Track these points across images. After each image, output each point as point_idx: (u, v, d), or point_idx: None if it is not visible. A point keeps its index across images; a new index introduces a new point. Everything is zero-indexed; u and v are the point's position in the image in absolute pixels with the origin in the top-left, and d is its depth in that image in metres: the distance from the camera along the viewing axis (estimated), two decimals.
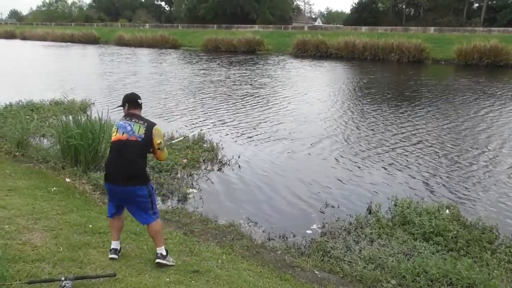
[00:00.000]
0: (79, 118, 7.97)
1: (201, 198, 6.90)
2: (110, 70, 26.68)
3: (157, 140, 3.81)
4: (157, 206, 6.34)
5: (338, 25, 60.35)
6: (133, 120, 3.81)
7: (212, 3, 70.61)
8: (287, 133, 11.27)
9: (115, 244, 4.00)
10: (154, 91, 17.71)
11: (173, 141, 8.07)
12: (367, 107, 15.03)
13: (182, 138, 8.08)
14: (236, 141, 10.40)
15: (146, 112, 13.22)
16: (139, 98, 4.01)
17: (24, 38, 68.76)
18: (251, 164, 8.71)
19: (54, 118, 10.93)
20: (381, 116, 13.49)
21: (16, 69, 26.40)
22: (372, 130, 11.71)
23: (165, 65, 29.94)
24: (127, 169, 3.71)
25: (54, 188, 6.10)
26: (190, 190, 7.17)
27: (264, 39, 43.73)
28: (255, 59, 35.36)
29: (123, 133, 3.76)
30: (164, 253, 3.98)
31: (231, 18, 67.05)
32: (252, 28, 53.81)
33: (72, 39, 60.35)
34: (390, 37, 36.19)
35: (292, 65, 31.37)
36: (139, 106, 3.97)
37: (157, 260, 3.93)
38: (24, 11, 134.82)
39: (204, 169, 8.24)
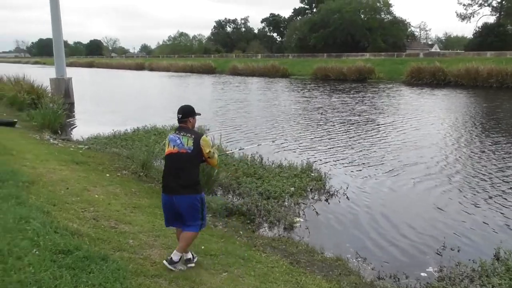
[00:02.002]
0: None
1: (307, 228, 6.84)
2: (219, 97, 28.40)
3: (206, 150, 4.08)
4: (264, 232, 6.55)
5: (458, 51, 56.70)
6: (181, 133, 4.10)
7: (322, 32, 71.38)
8: (399, 163, 10.75)
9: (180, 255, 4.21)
10: (254, 116, 18.27)
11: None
12: (493, 138, 13.71)
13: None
14: (344, 171, 10.20)
15: (247, 135, 13.79)
16: (189, 111, 4.23)
17: (151, 69, 76.24)
18: (360, 195, 8.45)
19: None
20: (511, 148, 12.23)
21: (142, 96, 29.34)
22: (502, 163, 10.63)
23: (269, 93, 30.82)
24: (181, 180, 4.02)
25: None
26: (297, 219, 7.16)
27: (375, 67, 42.84)
28: (366, 87, 34.68)
29: (173, 146, 4.08)
30: (175, 259, 4.09)
31: (342, 46, 66.98)
32: (363, 56, 53.11)
33: (192, 70, 65.39)
34: None
35: (404, 93, 30.10)
36: (181, 120, 4.18)
37: (164, 261, 4.09)
38: (153, 45, 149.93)
39: (311, 198, 8.19)
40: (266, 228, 6.77)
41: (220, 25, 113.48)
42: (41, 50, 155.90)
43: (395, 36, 71.96)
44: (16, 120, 13.90)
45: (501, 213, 7.47)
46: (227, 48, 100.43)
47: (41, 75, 26.74)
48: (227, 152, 9.40)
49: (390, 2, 74.01)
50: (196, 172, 4.16)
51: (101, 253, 3.79)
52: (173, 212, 4.15)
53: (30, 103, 17.57)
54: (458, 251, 6.09)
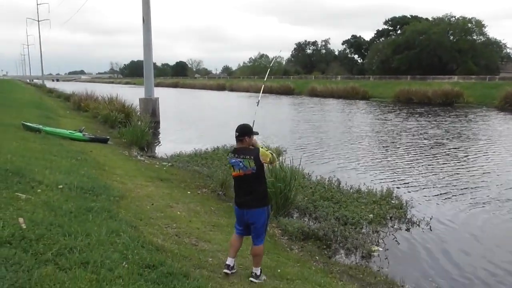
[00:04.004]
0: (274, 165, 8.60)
1: (386, 257, 6.57)
2: (293, 118, 28.74)
3: (266, 160, 4.31)
4: (340, 258, 6.40)
5: None
6: (241, 157, 4.29)
7: (407, 54, 69.02)
8: (487, 194, 9.96)
9: (230, 261, 4.49)
10: (330, 138, 17.98)
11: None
12: None
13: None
14: (428, 199, 9.67)
15: (323, 157, 13.55)
16: (238, 131, 4.36)
17: (231, 89, 78.70)
18: (445, 227, 7.94)
19: None
20: None
21: (221, 116, 30.34)
22: None
23: (345, 114, 30.29)
24: (249, 196, 4.33)
25: None
26: (376, 247, 6.90)
27: (464, 91, 40.36)
28: (452, 111, 32.87)
29: (239, 170, 4.34)
30: (258, 273, 4.44)
31: (427, 68, 64.19)
32: (450, 79, 50.47)
33: (271, 91, 66.33)
34: None
35: (496, 119, 28.02)
36: (238, 139, 4.37)
37: (251, 278, 4.40)
38: (234, 67, 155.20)
39: (391, 227, 7.86)
40: (342, 255, 6.61)
41: (300, 47, 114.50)
42: (132, 71, 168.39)
43: (488, 58, 67.00)
44: (109, 137, 15.05)
45: None
46: (307, 70, 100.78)
47: (131, 95, 28.80)
48: None
49: (483, 22, 69.67)
50: (264, 186, 4.46)
51: (183, 269, 3.94)
52: (244, 223, 4.48)
53: (120, 121, 18.93)
54: None
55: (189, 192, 8.61)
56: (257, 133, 4.49)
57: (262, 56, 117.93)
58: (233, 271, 4.50)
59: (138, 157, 12.69)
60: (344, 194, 9.26)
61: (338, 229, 7.22)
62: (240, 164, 4.31)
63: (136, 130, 15.52)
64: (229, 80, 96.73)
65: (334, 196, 9.08)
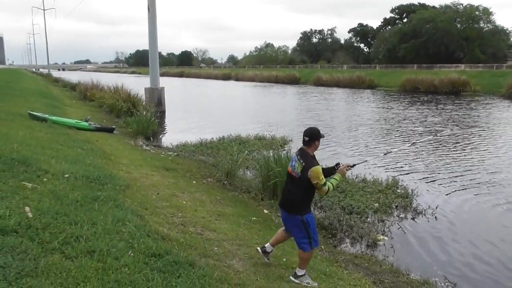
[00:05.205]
0: (280, 154, 8.59)
1: (392, 246, 6.57)
2: (296, 107, 28.83)
3: (313, 181, 4.12)
4: (345, 247, 6.40)
5: None
6: (298, 157, 4.26)
7: (413, 43, 68.39)
8: (493, 183, 9.92)
9: (268, 247, 4.66)
10: (333, 127, 17.91)
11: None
12: None
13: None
14: (433, 188, 9.62)
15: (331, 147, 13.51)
16: (307, 135, 4.25)
17: (237, 79, 78.55)
18: (450, 216, 7.92)
19: (258, 152, 12.04)
20: None
21: (227, 105, 30.31)
22: None
23: (353, 103, 30.14)
24: (287, 198, 4.37)
25: (254, 218, 6.68)
26: (381, 236, 6.90)
27: (471, 79, 40.14)
28: (461, 100, 32.61)
29: (290, 166, 4.35)
30: (300, 273, 4.38)
31: (434, 57, 63.65)
32: (457, 67, 50.05)
33: (276, 80, 66.22)
34: None
35: (503, 107, 27.81)
36: (306, 143, 4.26)
37: (290, 277, 4.41)
38: (240, 56, 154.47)
39: (397, 216, 7.85)
40: (348, 244, 6.63)
41: (306, 36, 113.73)
42: (137, 61, 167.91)
43: (495, 46, 66.23)
44: (114, 126, 15.08)
45: None
46: (312, 59, 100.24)
47: (137, 84, 28.79)
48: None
49: (490, 10, 68.73)
50: (300, 194, 4.25)
51: (188, 258, 3.95)
52: (284, 223, 4.57)
53: (126, 110, 18.96)
54: None
55: (194, 182, 8.62)
56: (323, 136, 4.36)
57: (267, 45, 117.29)
58: (265, 256, 4.65)
59: (144, 146, 12.71)
60: (349, 184, 9.24)
61: (344, 218, 7.23)
62: (294, 162, 4.30)
63: (141, 119, 15.53)
64: (235, 69, 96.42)
65: (340, 185, 9.06)
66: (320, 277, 4.70)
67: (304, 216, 4.24)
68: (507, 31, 70.11)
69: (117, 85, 22.70)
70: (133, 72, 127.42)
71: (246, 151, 11.89)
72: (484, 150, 13.90)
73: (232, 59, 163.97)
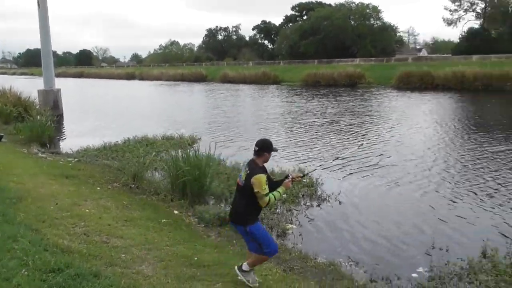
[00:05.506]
0: (188, 153, 8.46)
1: (300, 234, 6.84)
2: (203, 104, 28.93)
3: (255, 189, 4.07)
4: None
5: (446, 55, 57.31)
6: (246, 167, 4.24)
7: (313, 39, 71.85)
8: (390, 167, 10.81)
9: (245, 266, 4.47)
10: (240, 122, 18.28)
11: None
12: (479, 140, 13.87)
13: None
14: (335, 176, 10.20)
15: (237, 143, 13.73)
16: (258, 145, 4.27)
17: (142, 78, 75.88)
18: (351, 200, 8.47)
19: (166, 153, 11.75)
20: (496, 148, 12.36)
21: (131, 106, 29.23)
22: (486, 164, 10.74)
23: (258, 99, 30.93)
24: (234, 209, 4.38)
25: (164, 220, 6.52)
26: (289, 225, 7.15)
27: (365, 72, 43.17)
28: (356, 91, 34.95)
29: (238, 177, 4.33)
30: (245, 269, 4.37)
31: (332, 52, 67.35)
32: (353, 61, 53.54)
33: (183, 78, 65.22)
34: (506, 65, 33.42)
35: (392, 97, 30.45)
36: (256, 153, 4.25)
37: (236, 267, 4.45)
38: (144, 54, 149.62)
39: (303, 204, 8.18)
40: None
41: (211, 33, 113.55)
42: (28, 61, 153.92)
43: (385, 41, 72.50)
44: (2, 134, 13.74)
45: (485, 212, 7.58)
46: (218, 56, 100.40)
47: (28, 87, 26.57)
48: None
49: (379, 8, 74.80)
50: (244, 204, 4.21)
51: (92, 269, 3.74)
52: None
53: (16, 115, 17.38)
54: (447, 250, 6.16)
55: (98, 188, 8.18)
56: (276, 150, 4.32)
57: (173, 43, 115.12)
58: (241, 278, 4.43)
59: (39, 154, 11.77)
60: None
61: None
62: (242, 172, 4.28)
63: (35, 125, 14.34)
64: (139, 68, 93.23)
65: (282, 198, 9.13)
66: (232, 271, 4.72)
67: (248, 226, 4.18)
68: (394, 27, 76.84)
69: (4, 88, 20.71)
70: (23, 73, 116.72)
71: (154, 152, 11.51)
72: (376, 137, 15.04)
73: (136, 58, 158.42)
